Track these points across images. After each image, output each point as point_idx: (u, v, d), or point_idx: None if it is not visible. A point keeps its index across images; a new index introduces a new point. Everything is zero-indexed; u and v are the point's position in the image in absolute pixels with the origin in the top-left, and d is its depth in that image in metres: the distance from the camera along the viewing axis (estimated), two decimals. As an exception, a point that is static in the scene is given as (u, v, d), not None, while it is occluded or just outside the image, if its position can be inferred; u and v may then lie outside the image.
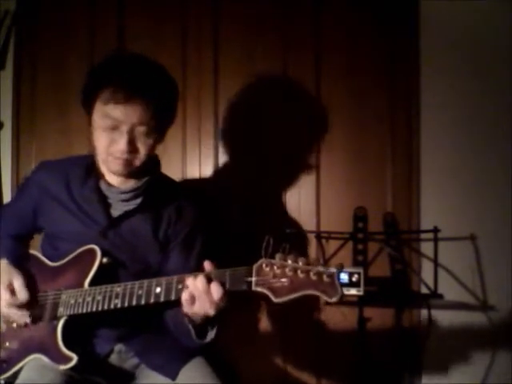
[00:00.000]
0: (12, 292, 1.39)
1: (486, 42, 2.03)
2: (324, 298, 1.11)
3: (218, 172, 2.14)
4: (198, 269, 1.40)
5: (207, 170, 2.15)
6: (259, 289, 1.16)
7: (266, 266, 1.16)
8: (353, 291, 1.65)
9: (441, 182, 2.04)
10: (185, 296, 1.24)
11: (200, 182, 2.14)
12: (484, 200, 2.01)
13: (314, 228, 2.07)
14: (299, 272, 1.13)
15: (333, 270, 1.12)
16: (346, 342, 2.00)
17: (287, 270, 1.13)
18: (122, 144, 1.36)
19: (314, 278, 1.12)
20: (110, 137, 1.38)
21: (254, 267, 1.17)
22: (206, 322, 1.30)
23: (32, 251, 1.57)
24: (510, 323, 1.98)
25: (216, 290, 1.21)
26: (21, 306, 1.40)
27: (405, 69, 2.06)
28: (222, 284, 1.21)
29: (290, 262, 1.14)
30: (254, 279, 1.16)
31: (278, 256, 1.15)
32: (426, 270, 1.94)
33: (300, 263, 1.13)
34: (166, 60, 2.09)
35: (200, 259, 1.49)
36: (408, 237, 2.03)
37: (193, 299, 1.24)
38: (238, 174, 2.13)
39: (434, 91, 2.05)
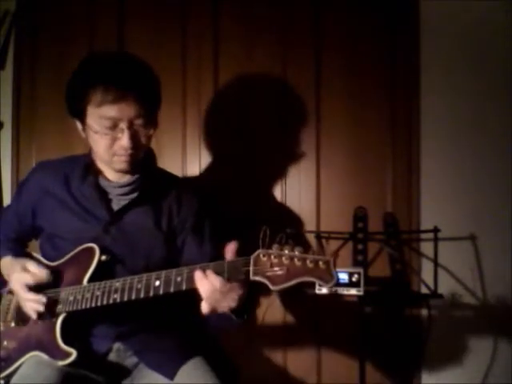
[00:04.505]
0: (29, 273, 1.40)
1: (486, 41, 2.03)
2: (320, 283, 1.14)
3: (217, 172, 2.14)
4: (213, 252, 1.47)
5: (207, 170, 2.15)
6: (257, 278, 1.18)
7: (264, 255, 1.18)
8: (353, 291, 1.65)
9: (441, 182, 2.04)
10: (205, 308, 1.24)
11: (200, 182, 2.14)
12: (484, 200, 2.01)
13: (314, 228, 2.07)
14: (296, 260, 1.15)
15: (329, 257, 1.14)
16: (346, 341, 2.00)
17: (284, 258, 1.16)
18: (124, 141, 1.37)
19: (310, 265, 1.14)
20: (111, 136, 1.38)
21: (252, 257, 1.19)
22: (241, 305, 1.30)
23: (29, 252, 1.57)
24: (510, 323, 1.98)
25: (215, 280, 1.21)
26: (39, 289, 1.40)
27: (405, 69, 2.07)
28: (219, 274, 1.22)
29: (286, 251, 1.17)
30: (251, 269, 1.18)
31: (274, 246, 1.18)
32: (426, 270, 1.94)
33: (296, 252, 1.16)
34: (166, 60, 2.13)
35: (213, 242, 1.53)
36: (408, 237, 2.03)
37: (211, 306, 1.24)
38: (238, 174, 2.13)
39: (434, 91, 2.05)
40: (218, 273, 1.22)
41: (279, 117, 2.12)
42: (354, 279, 1.65)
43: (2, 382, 1.44)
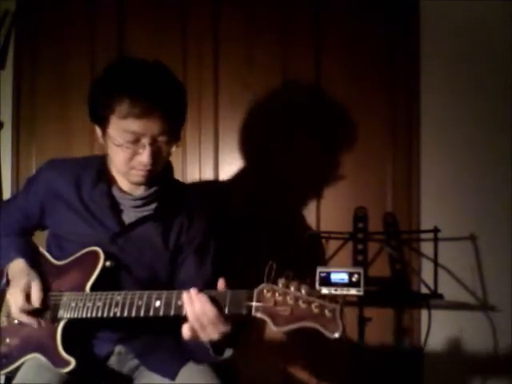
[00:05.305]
0: (27, 297, 1.37)
1: (486, 42, 2.03)
2: (324, 333, 1.08)
3: (217, 173, 2.14)
4: (212, 276, 1.42)
5: (207, 171, 2.15)
6: (259, 315, 1.12)
7: (268, 291, 1.13)
8: (353, 291, 1.65)
9: (441, 182, 2.04)
10: (186, 332, 1.20)
11: (200, 183, 2.14)
12: (484, 200, 2.01)
13: (314, 228, 2.07)
14: (301, 302, 1.09)
15: (335, 304, 1.09)
16: (345, 342, 2.00)
17: (289, 298, 1.10)
18: (145, 157, 1.32)
19: (315, 310, 1.09)
20: (131, 150, 1.33)
21: (255, 292, 1.14)
22: (224, 340, 1.24)
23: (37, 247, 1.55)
24: (510, 323, 1.98)
25: (210, 310, 1.17)
26: (32, 312, 1.38)
27: (405, 69, 2.06)
28: (216, 302, 1.17)
29: (292, 289, 1.11)
30: (254, 304, 1.13)
31: (280, 282, 1.12)
32: (426, 270, 1.94)
33: (303, 291, 1.10)
34: (166, 60, 2.11)
35: (214, 266, 1.49)
36: (408, 237, 2.03)
37: (194, 331, 1.20)
38: (238, 174, 2.13)
39: (434, 91, 2.05)
40: (218, 302, 1.17)
41: (279, 117, 2.11)
42: (353, 279, 1.65)
43: (3, 377, 1.44)
